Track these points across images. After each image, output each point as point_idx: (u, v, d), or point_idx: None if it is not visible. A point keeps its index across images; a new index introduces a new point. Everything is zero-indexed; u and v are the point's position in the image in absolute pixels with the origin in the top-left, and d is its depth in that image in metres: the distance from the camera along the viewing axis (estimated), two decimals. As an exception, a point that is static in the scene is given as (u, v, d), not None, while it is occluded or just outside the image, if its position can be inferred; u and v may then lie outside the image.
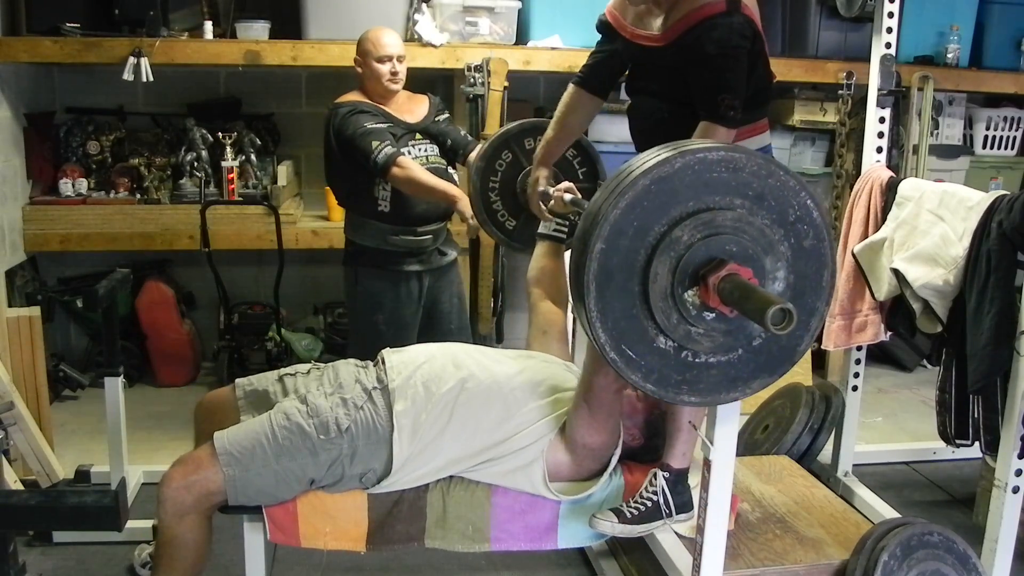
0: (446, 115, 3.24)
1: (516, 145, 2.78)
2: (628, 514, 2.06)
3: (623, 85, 4.41)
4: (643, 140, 2.28)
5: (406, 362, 2.16)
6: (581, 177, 2.80)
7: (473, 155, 3.00)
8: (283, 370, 2.29)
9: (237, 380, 2.28)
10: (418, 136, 3.06)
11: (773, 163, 1.51)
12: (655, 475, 2.09)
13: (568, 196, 2.43)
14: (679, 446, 2.08)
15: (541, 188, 2.47)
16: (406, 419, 2.03)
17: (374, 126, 2.91)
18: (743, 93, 2.03)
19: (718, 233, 1.45)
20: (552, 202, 2.50)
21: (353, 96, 3.06)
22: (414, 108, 3.13)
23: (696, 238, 1.44)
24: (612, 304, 1.47)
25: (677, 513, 2.09)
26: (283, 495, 2.01)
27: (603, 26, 2.34)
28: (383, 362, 2.19)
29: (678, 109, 2.10)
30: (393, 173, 2.86)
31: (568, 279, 1.50)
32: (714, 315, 1.47)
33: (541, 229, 2.56)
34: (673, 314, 1.46)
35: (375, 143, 2.86)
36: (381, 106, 3.02)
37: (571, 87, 2.44)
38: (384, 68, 2.99)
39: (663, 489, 2.07)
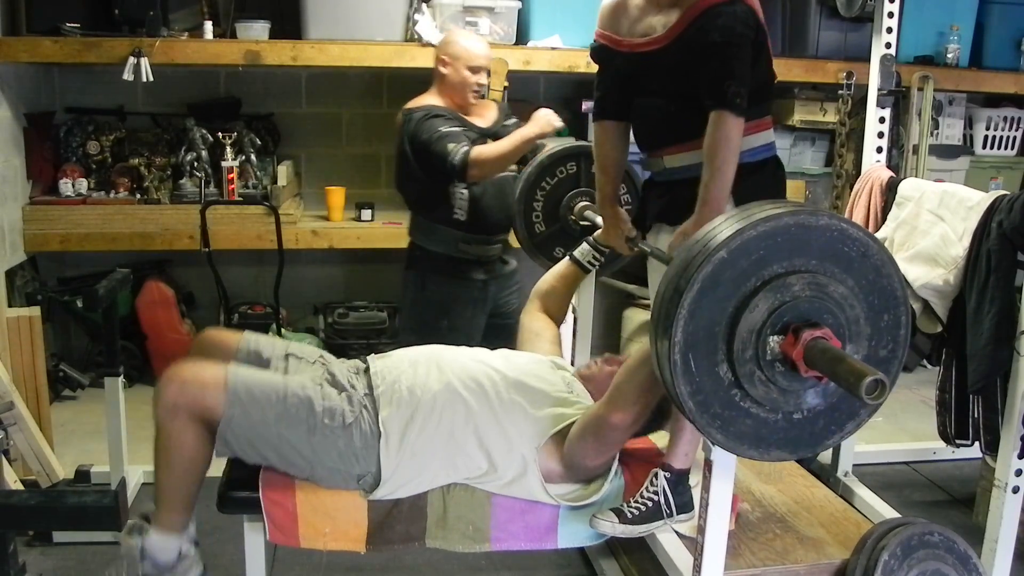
0: (514, 119, 3.18)
1: (587, 161, 2.78)
2: (629, 514, 2.05)
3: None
4: (648, 138, 2.28)
5: (390, 367, 2.16)
6: (626, 201, 2.84)
7: (543, 154, 2.94)
8: (292, 347, 2.26)
9: (246, 333, 2.25)
10: (489, 141, 2.98)
11: (894, 267, 1.54)
12: (656, 475, 2.09)
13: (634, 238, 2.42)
14: (682, 446, 2.08)
15: (631, 235, 2.40)
16: (392, 425, 2.03)
17: (449, 129, 2.87)
18: (749, 82, 2.03)
19: (825, 299, 1.48)
20: (601, 232, 2.47)
21: (427, 99, 3.01)
22: (484, 113, 3.10)
23: (806, 293, 1.47)
24: (704, 311, 1.48)
25: (678, 513, 2.08)
26: (266, 458, 1.99)
27: (598, 51, 2.32)
28: (368, 368, 2.18)
29: (682, 103, 2.10)
30: (471, 174, 2.83)
31: (671, 269, 1.51)
32: (784, 369, 1.49)
33: (576, 254, 2.55)
34: (750, 348, 1.48)
35: (451, 146, 2.81)
36: (454, 110, 2.99)
37: (593, 124, 2.41)
38: (473, 78, 2.95)
39: (664, 489, 2.07)
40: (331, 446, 1.99)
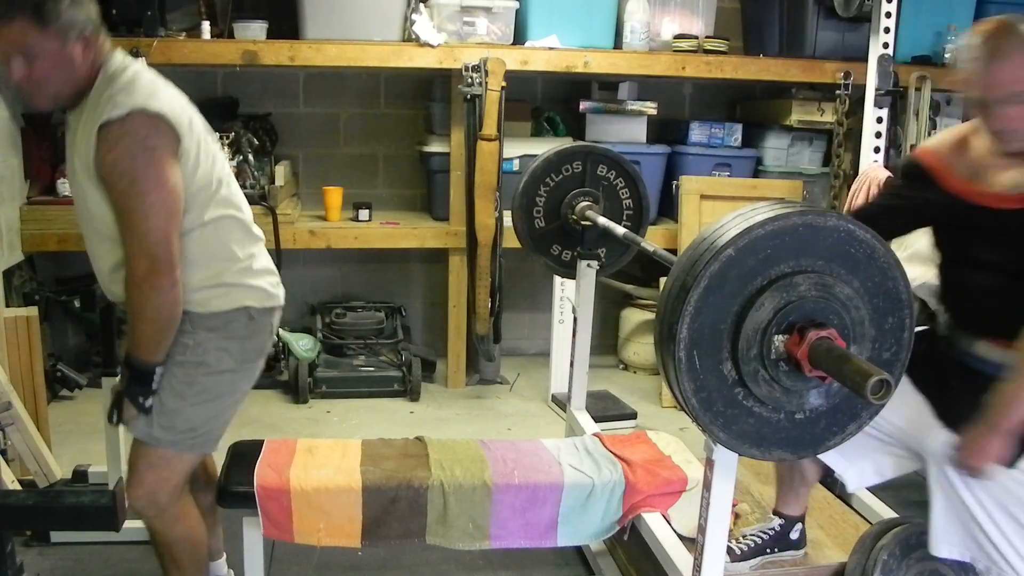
0: None
1: (592, 160, 2.79)
2: (738, 551, 2.12)
3: (620, 84, 4.36)
4: (966, 314, 1.96)
5: None
6: (628, 206, 2.83)
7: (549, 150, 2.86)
8: None
9: None
10: None
11: (900, 269, 1.54)
12: (771, 519, 2.19)
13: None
14: (790, 494, 2.18)
15: None
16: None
17: None
18: None
19: (830, 299, 1.49)
20: None
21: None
22: None
23: (811, 293, 1.48)
24: (710, 309, 1.48)
25: (783, 550, 2.17)
26: (228, 413, 2.02)
27: (915, 169, 2.00)
28: None
29: (1020, 284, 1.81)
30: None
31: (676, 267, 1.51)
32: (788, 368, 1.49)
33: None
34: (754, 347, 1.49)
35: None
36: None
37: None
38: None
39: (775, 531, 2.16)
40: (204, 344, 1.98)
